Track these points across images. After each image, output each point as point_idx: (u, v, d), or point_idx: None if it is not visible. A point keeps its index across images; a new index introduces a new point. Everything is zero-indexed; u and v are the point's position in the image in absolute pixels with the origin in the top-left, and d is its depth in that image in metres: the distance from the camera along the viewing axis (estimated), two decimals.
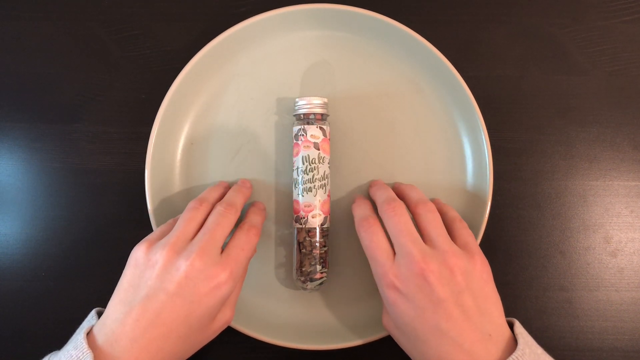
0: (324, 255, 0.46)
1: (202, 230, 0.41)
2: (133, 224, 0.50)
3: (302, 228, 0.46)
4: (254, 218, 0.45)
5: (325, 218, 0.46)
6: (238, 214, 0.43)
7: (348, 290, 0.49)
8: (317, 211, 0.46)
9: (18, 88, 0.51)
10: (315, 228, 0.46)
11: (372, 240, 0.41)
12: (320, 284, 0.47)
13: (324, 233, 0.46)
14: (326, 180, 0.46)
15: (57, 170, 0.51)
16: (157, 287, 0.38)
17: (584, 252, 0.50)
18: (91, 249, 0.50)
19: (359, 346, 0.47)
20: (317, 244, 0.46)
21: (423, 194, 0.44)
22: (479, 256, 0.41)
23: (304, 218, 0.46)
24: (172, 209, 0.49)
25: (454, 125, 0.49)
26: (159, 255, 0.39)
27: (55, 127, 0.51)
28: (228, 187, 0.48)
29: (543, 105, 0.51)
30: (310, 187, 0.46)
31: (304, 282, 0.46)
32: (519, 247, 0.50)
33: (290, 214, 0.49)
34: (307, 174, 0.46)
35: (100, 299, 0.51)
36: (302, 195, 0.46)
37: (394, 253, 0.40)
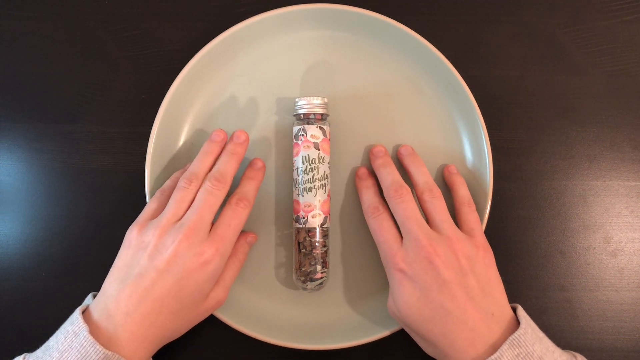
0: (324, 255, 0.46)
1: (190, 210, 0.42)
2: None
3: (302, 228, 0.46)
4: (245, 187, 0.45)
5: (325, 218, 0.46)
6: (228, 186, 0.43)
7: (348, 290, 0.49)
8: (317, 211, 0.46)
9: (18, 88, 0.51)
10: (315, 228, 0.46)
11: (381, 226, 0.44)
12: (320, 284, 0.47)
13: (324, 233, 0.46)
14: (326, 180, 0.46)
15: (57, 170, 0.51)
16: (148, 265, 0.40)
17: (584, 252, 0.50)
18: (91, 249, 0.50)
19: (359, 346, 0.47)
20: (317, 244, 0.46)
21: (429, 175, 0.46)
22: (483, 243, 0.43)
23: (304, 218, 0.46)
24: None
25: (454, 125, 0.49)
26: (151, 236, 0.41)
27: (55, 127, 0.51)
28: (222, 142, 0.46)
29: (543, 105, 0.51)
30: (310, 187, 0.46)
31: (304, 282, 0.46)
32: (519, 247, 0.50)
33: (290, 214, 0.49)
34: (307, 174, 0.46)
35: None
36: (302, 195, 0.46)
37: (401, 237, 0.43)
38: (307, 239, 0.46)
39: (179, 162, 0.49)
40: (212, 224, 0.43)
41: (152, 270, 0.40)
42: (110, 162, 0.51)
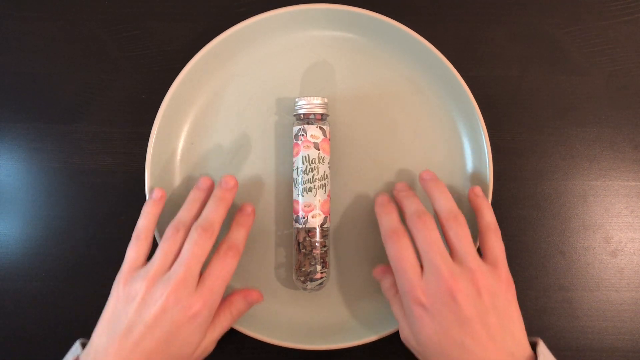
0: (324, 255, 0.46)
1: (177, 262, 0.41)
2: (133, 224, 0.50)
3: (302, 228, 0.46)
4: (234, 234, 0.44)
5: (325, 218, 0.46)
6: (215, 235, 0.43)
7: (348, 290, 0.49)
8: (317, 211, 0.46)
9: (18, 88, 0.51)
10: (315, 228, 0.46)
11: (401, 254, 0.41)
12: (320, 284, 0.47)
13: (324, 233, 0.46)
14: (326, 180, 0.46)
15: (57, 170, 0.51)
16: (137, 319, 0.40)
17: (584, 252, 0.50)
18: (91, 249, 0.50)
19: (359, 346, 0.47)
20: (317, 244, 0.46)
21: (453, 202, 0.43)
22: (506, 275, 0.41)
23: (304, 218, 0.46)
24: (172, 209, 0.49)
25: (454, 125, 0.49)
26: (138, 288, 0.41)
27: (55, 127, 0.51)
28: (209, 190, 0.46)
29: (543, 105, 0.51)
30: (310, 187, 0.46)
31: (304, 282, 0.46)
32: (519, 247, 0.50)
33: (290, 214, 0.49)
34: (307, 174, 0.46)
35: (100, 299, 0.51)
36: (302, 195, 0.46)
37: (421, 266, 0.41)
38: (307, 239, 0.46)
39: (179, 162, 0.49)
40: (201, 272, 0.42)
41: (140, 324, 0.39)
42: (110, 162, 0.51)
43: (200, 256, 0.41)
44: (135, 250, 0.43)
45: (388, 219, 0.43)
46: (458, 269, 0.40)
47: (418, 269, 0.40)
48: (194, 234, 0.42)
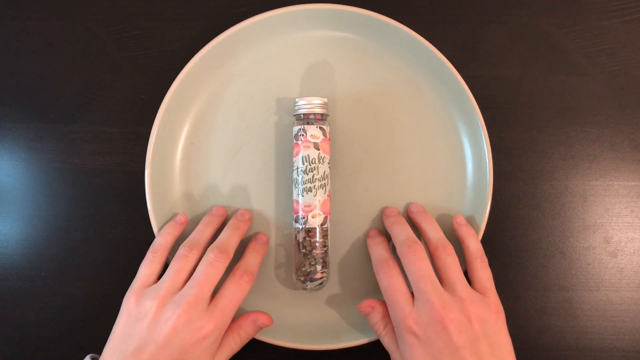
0: (324, 255, 0.46)
1: (190, 282, 0.42)
2: (133, 224, 0.50)
3: (302, 228, 0.46)
4: (250, 260, 0.45)
5: (325, 218, 0.46)
6: (230, 258, 0.43)
7: (348, 290, 0.49)
8: (317, 211, 0.46)
9: (18, 88, 0.51)
10: (315, 228, 0.46)
11: (392, 283, 0.42)
12: (320, 284, 0.47)
13: (324, 233, 0.46)
14: (326, 180, 0.46)
15: (57, 170, 0.51)
16: (147, 338, 0.40)
17: (584, 252, 0.50)
18: (91, 249, 0.50)
19: (359, 346, 0.47)
20: (317, 244, 0.46)
21: (441, 232, 0.45)
22: (495, 303, 0.42)
23: (304, 218, 0.46)
24: (172, 209, 0.49)
25: (454, 125, 0.49)
26: (149, 306, 0.41)
27: (55, 127, 0.51)
28: (224, 216, 0.47)
29: (543, 105, 0.51)
30: (310, 187, 0.46)
31: (304, 282, 0.46)
32: (519, 247, 0.50)
33: (290, 214, 0.49)
34: (307, 174, 0.46)
35: (100, 299, 0.51)
36: (302, 195, 0.46)
37: (412, 295, 0.42)
38: (307, 239, 0.46)
39: (179, 162, 0.49)
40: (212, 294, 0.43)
41: (151, 344, 0.40)
42: (110, 162, 0.51)
43: (214, 278, 0.42)
44: (148, 267, 0.44)
45: (378, 250, 0.45)
46: (449, 298, 0.41)
47: (409, 298, 0.42)
48: (210, 255, 0.42)
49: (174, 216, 0.48)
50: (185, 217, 0.47)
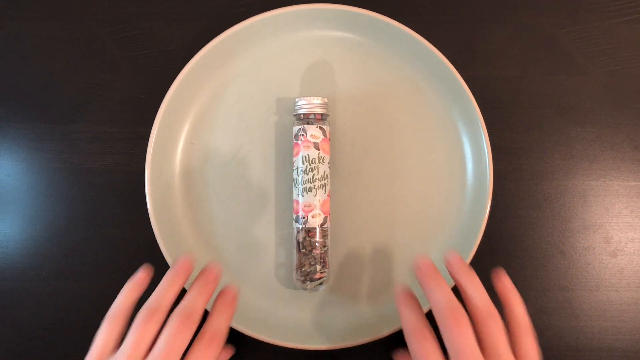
0: (324, 255, 0.46)
1: (152, 354, 0.36)
2: (133, 224, 0.50)
3: (302, 228, 0.46)
4: (217, 321, 0.40)
5: (325, 218, 0.46)
6: (197, 324, 0.38)
7: (348, 290, 0.49)
8: (317, 211, 0.46)
9: (18, 88, 0.51)
10: (315, 228, 0.46)
11: (427, 357, 0.37)
12: (320, 284, 0.47)
13: (324, 233, 0.46)
14: (326, 180, 0.46)
15: (57, 170, 0.51)
16: None
17: (584, 252, 0.50)
18: (91, 249, 0.50)
19: (359, 346, 0.47)
20: (317, 244, 0.46)
21: (487, 296, 0.39)
22: None
23: (304, 218, 0.46)
24: (172, 209, 0.49)
25: (454, 125, 0.49)
26: None
27: (55, 127, 0.51)
28: (190, 270, 0.41)
29: (543, 105, 0.51)
30: (310, 187, 0.46)
31: (304, 282, 0.46)
32: (519, 247, 0.50)
33: (290, 214, 0.49)
34: (307, 174, 0.46)
35: (100, 299, 0.51)
36: (302, 195, 0.46)
37: None
38: (307, 239, 0.46)
39: (179, 162, 0.49)
40: None
41: None
42: (110, 162, 0.51)
43: (179, 348, 0.37)
44: (106, 333, 0.38)
45: (411, 314, 0.39)
46: None
47: None
48: (174, 322, 0.37)
49: (174, 216, 0.48)
50: (147, 274, 0.41)
